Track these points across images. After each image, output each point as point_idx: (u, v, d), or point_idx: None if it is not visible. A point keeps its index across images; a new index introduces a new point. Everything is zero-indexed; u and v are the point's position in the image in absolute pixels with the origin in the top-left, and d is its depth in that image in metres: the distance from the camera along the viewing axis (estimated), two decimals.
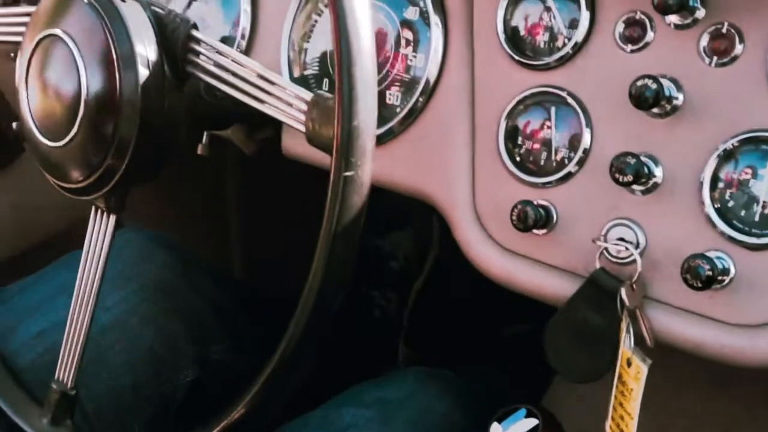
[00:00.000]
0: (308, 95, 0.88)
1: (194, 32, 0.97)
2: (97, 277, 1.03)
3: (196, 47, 0.96)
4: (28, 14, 1.04)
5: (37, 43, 0.99)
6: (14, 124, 1.44)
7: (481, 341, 1.27)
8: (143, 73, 0.95)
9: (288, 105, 0.89)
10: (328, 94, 0.86)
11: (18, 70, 1.02)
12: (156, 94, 0.96)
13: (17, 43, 1.05)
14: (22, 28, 1.05)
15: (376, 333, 1.75)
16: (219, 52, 0.95)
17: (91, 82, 0.95)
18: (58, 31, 0.97)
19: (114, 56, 0.94)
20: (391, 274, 1.79)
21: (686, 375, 0.93)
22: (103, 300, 1.20)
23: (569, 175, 0.99)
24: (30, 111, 1.01)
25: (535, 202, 0.99)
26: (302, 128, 0.88)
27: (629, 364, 0.92)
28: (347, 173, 0.82)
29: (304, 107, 0.88)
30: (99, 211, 1.02)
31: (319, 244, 0.84)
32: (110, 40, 0.94)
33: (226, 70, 0.94)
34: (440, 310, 1.69)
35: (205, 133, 1.24)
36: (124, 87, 0.94)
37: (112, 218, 1.02)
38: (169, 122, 0.98)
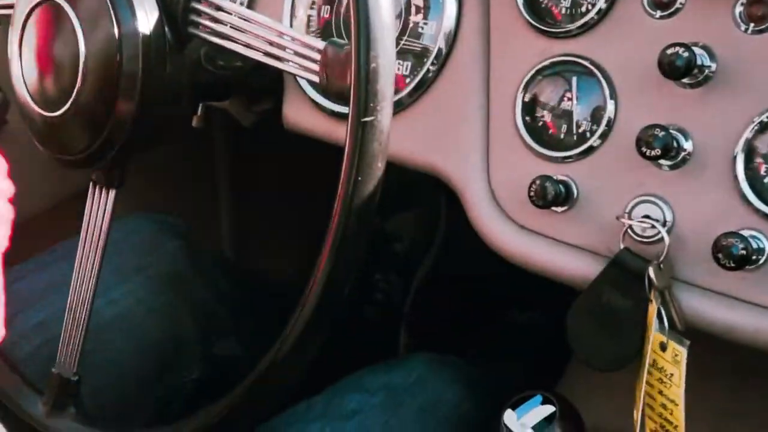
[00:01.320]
0: (321, 44, 0.83)
1: None
2: (97, 257, 0.99)
3: (197, 5, 0.92)
4: None
5: (31, 11, 0.95)
6: None
7: (488, 329, 1.22)
8: (144, 36, 0.91)
9: (300, 56, 0.85)
10: (342, 41, 0.83)
11: (10, 38, 0.98)
12: (157, 58, 0.92)
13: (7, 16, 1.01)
14: (10, 1, 1.01)
15: (377, 317, 1.71)
16: (221, 9, 0.90)
17: (90, 47, 0.91)
18: None
19: (113, 19, 0.90)
20: (395, 257, 1.74)
21: (711, 367, 0.87)
22: (109, 292, 1.17)
23: (591, 149, 0.94)
24: (24, 81, 0.97)
25: (554, 177, 0.94)
26: (316, 78, 0.84)
27: (663, 348, 0.86)
28: (366, 119, 0.77)
29: (317, 56, 0.83)
30: (98, 187, 0.98)
31: (338, 195, 0.80)
32: (108, 5, 0.90)
33: (231, 26, 0.90)
34: (445, 297, 1.64)
35: (200, 105, 1.18)
36: (124, 51, 0.90)
37: (112, 193, 0.98)
38: (171, 90, 0.95)
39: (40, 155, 1.01)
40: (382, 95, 0.78)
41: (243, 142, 1.70)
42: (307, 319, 0.82)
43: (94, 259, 0.98)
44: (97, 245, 0.98)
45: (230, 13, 0.90)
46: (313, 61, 0.84)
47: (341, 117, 1.07)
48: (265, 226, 1.81)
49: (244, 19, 0.89)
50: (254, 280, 1.51)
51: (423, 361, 1.14)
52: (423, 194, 1.63)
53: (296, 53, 0.85)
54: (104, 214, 0.98)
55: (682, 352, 0.85)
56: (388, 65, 0.78)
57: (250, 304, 1.39)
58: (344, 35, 1.10)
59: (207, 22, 0.91)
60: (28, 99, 0.96)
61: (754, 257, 0.83)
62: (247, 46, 0.89)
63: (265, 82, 1.14)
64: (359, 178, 0.78)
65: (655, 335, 0.86)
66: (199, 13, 0.92)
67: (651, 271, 0.87)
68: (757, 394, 1.06)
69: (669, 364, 0.86)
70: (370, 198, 0.80)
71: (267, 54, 0.87)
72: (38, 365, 1.11)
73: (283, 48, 0.86)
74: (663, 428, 0.88)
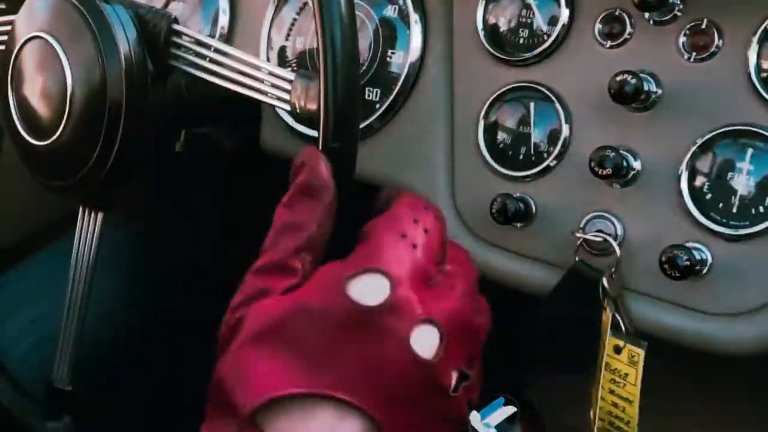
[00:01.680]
0: (291, 75, 0.87)
1: (175, 26, 0.96)
2: (87, 275, 1.02)
3: (178, 40, 0.96)
4: (9, 22, 1.03)
5: (22, 46, 0.98)
6: None
7: None
8: (127, 68, 0.94)
9: (272, 86, 0.89)
10: (311, 72, 0.86)
11: (3, 72, 1.01)
12: (140, 89, 0.95)
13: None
14: (2, 37, 1.04)
15: None
16: (200, 43, 0.94)
17: (77, 80, 0.94)
18: (42, 33, 0.96)
19: (98, 54, 0.93)
20: None
21: (661, 371, 0.92)
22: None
23: (548, 169, 0.98)
24: (16, 111, 1.00)
25: (514, 195, 0.98)
26: (287, 107, 0.87)
27: (617, 351, 0.91)
28: (334, 144, 0.80)
29: (288, 86, 0.87)
30: (86, 210, 1.02)
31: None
32: (94, 39, 0.93)
33: (208, 59, 0.93)
34: None
35: (183, 131, 1.22)
36: (109, 83, 0.93)
37: (100, 216, 1.01)
38: (153, 118, 0.97)
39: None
40: (348, 122, 0.81)
41: (226, 163, 1.73)
42: None
43: (85, 278, 1.02)
44: (87, 264, 1.01)
45: (209, 47, 0.93)
46: (285, 90, 0.87)
47: (315, 141, 1.11)
48: (245, 239, 1.83)
49: (222, 53, 0.92)
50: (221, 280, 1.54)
51: None
52: None
53: (268, 83, 0.89)
54: (93, 235, 1.01)
55: (640, 353, 0.89)
56: (353, 94, 0.81)
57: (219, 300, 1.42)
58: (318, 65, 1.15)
59: (187, 55, 0.94)
60: (20, 128, 0.99)
61: (697, 267, 0.87)
62: (223, 77, 0.92)
63: (244, 110, 1.16)
64: None
65: (610, 339, 0.90)
66: (179, 46, 0.95)
67: (604, 281, 0.91)
68: (705, 396, 1.10)
69: (624, 365, 0.90)
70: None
71: (243, 85, 0.90)
72: (34, 364, 1.16)
73: (258, 80, 0.89)
74: (612, 425, 0.93)
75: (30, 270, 1.30)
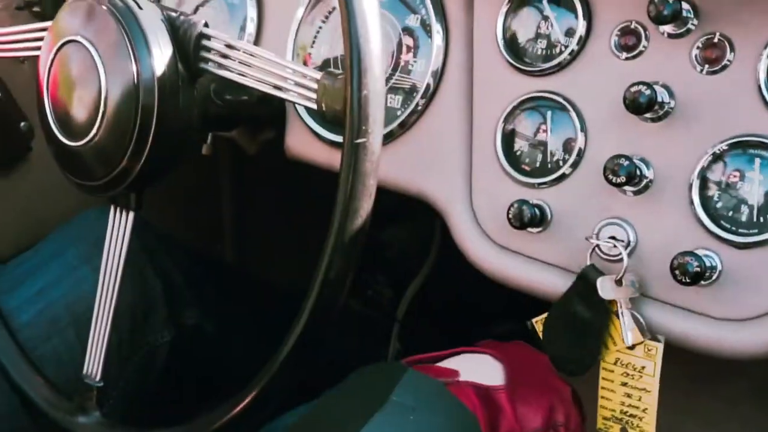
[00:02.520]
0: (318, 74, 0.89)
1: (205, 30, 0.98)
2: (119, 272, 1.04)
3: (207, 43, 0.97)
4: (43, 29, 1.06)
5: (58, 50, 1.00)
6: (22, 124, 1.45)
7: (472, 339, 1.27)
8: (159, 71, 0.95)
9: (299, 86, 0.90)
10: (337, 71, 0.88)
11: (40, 74, 1.03)
12: (171, 92, 0.96)
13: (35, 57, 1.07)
14: (38, 43, 1.07)
15: (367, 321, 1.76)
16: (229, 46, 0.96)
17: (111, 83, 0.96)
18: (78, 38, 0.98)
19: (132, 57, 0.95)
20: (387, 262, 1.79)
21: (667, 373, 0.93)
22: (78, 270, 1.25)
23: (563, 177, 1.00)
24: (52, 113, 1.02)
25: (530, 201, 1.00)
26: (314, 105, 0.89)
27: (632, 347, 0.93)
28: (359, 140, 0.82)
29: (315, 85, 0.88)
30: (118, 209, 1.03)
31: (335, 208, 0.85)
32: (128, 43, 0.95)
33: (237, 60, 0.95)
34: (436, 310, 1.68)
35: (209, 134, 1.24)
36: (142, 86, 0.95)
37: (131, 215, 1.03)
38: (183, 121, 0.99)
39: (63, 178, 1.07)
40: (373, 119, 0.83)
41: (246, 164, 1.76)
42: (307, 318, 0.87)
43: (116, 275, 1.03)
44: (118, 263, 1.03)
45: (238, 50, 0.95)
46: (312, 90, 0.89)
47: (339, 146, 1.12)
48: (265, 238, 1.86)
49: (250, 55, 0.94)
50: (215, 264, 1.57)
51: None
52: (419, 214, 1.68)
53: (296, 83, 0.90)
54: (124, 234, 1.03)
55: (658, 346, 0.92)
56: (378, 92, 0.83)
57: (212, 284, 1.45)
58: (340, 69, 1.16)
59: (216, 58, 0.96)
60: (55, 128, 1.01)
61: (707, 274, 0.89)
62: (252, 77, 0.94)
63: (269, 115, 1.19)
64: (353, 194, 0.83)
65: (615, 339, 0.93)
66: (208, 49, 0.96)
67: (611, 285, 0.93)
68: (708, 397, 1.11)
69: (639, 359, 0.93)
70: (363, 211, 0.85)
71: (270, 85, 0.92)
72: (41, 329, 1.20)
73: (285, 79, 0.91)
74: (625, 413, 0.95)
75: (38, 250, 1.33)
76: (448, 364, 0.96)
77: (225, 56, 0.96)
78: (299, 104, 0.91)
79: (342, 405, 0.95)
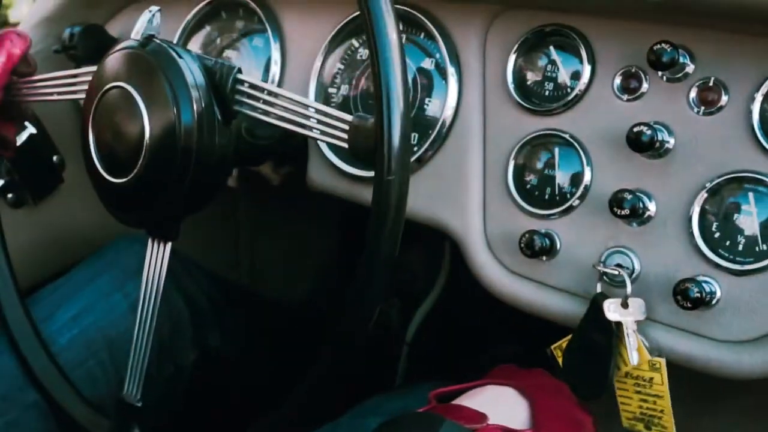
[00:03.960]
0: (349, 117, 0.93)
1: (239, 75, 1.02)
2: (157, 299, 1.07)
3: (242, 88, 1.01)
4: (90, 72, 1.09)
5: (104, 93, 1.03)
6: (55, 158, 1.49)
7: (480, 361, 1.31)
8: (198, 115, 0.99)
9: (332, 127, 0.95)
10: (367, 115, 0.92)
11: (85, 116, 1.06)
12: (209, 133, 1.00)
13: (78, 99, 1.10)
14: (77, 87, 1.11)
15: (376, 341, 1.78)
16: (263, 90, 1.00)
17: (153, 125, 0.99)
18: (122, 83, 1.01)
19: (172, 102, 0.98)
20: (398, 284, 1.81)
21: (672, 391, 0.97)
22: (116, 292, 1.30)
23: (571, 208, 1.04)
24: (96, 152, 1.05)
25: (541, 231, 1.04)
26: (345, 145, 0.93)
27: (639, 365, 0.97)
28: (390, 177, 0.87)
29: (346, 126, 0.93)
30: (155, 240, 1.06)
31: (367, 238, 0.89)
32: (170, 88, 0.99)
33: (272, 104, 0.99)
34: (445, 333, 1.72)
35: (235, 169, 1.29)
36: (182, 128, 0.98)
37: (168, 245, 1.06)
38: (219, 159, 1.02)
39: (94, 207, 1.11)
40: (403, 157, 0.87)
41: (261, 192, 1.79)
42: (335, 348, 0.92)
43: (154, 301, 1.07)
44: (156, 289, 1.06)
45: (276, 95, 0.99)
46: (342, 130, 0.93)
47: (360, 179, 1.17)
48: (278, 260, 1.91)
49: (288, 99, 0.98)
50: (235, 289, 1.60)
51: (432, 386, 1.16)
52: (429, 239, 1.71)
53: (329, 125, 0.94)
54: (161, 263, 1.06)
55: (661, 361, 0.96)
56: (406, 133, 0.88)
57: (233, 307, 1.48)
58: (360, 109, 1.21)
59: (252, 102, 1.00)
60: (98, 167, 1.04)
61: (707, 299, 0.93)
62: (285, 120, 0.98)
63: (292, 149, 1.24)
64: (385, 224, 0.88)
65: (628, 358, 0.97)
66: (243, 93, 1.01)
67: (617, 309, 0.97)
68: (714, 416, 1.15)
69: (646, 372, 0.97)
70: (394, 239, 0.89)
71: (306, 127, 0.97)
72: (77, 352, 1.24)
73: (318, 122, 0.96)
74: (645, 414, 1.00)
75: (71, 276, 1.37)
76: (474, 398, 0.98)
77: (258, 99, 1.00)
78: (332, 143, 0.95)
79: None
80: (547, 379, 1.00)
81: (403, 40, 1.16)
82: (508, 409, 0.94)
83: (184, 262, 1.40)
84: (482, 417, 0.90)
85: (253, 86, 1.01)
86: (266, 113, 1.00)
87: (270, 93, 0.99)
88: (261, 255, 1.88)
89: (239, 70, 1.02)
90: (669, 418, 0.99)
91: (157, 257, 1.07)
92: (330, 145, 1.20)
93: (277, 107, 0.99)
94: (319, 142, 1.20)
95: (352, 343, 0.93)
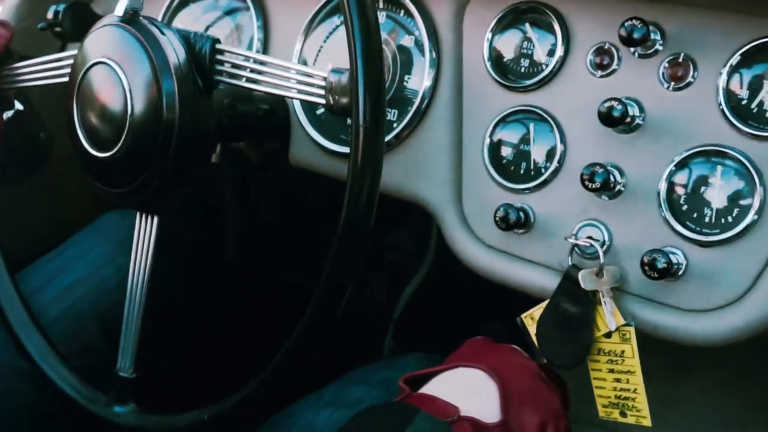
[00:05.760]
0: (324, 72, 0.95)
1: (218, 45, 1.03)
2: (147, 272, 1.08)
3: (221, 57, 1.02)
4: (72, 56, 1.10)
5: (87, 70, 1.04)
6: (42, 134, 1.50)
7: (464, 338, 1.32)
8: (179, 85, 1.00)
9: (308, 85, 0.96)
10: (343, 68, 0.93)
11: (70, 92, 1.07)
12: (191, 106, 1.01)
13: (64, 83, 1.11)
14: (63, 71, 1.12)
15: (364, 316, 1.80)
16: (241, 55, 1.02)
17: (136, 98, 1.00)
18: (104, 59, 1.02)
19: (154, 75, 0.99)
20: (387, 264, 1.82)
21: (646, 364, 0.99)
22: (106, 267, 1.31)
23: (545, 183, 1.06)
24: (80, 127, 1.06)
25: (515, 205, 1.06)
26: (323, 101, 0.95)
27: (608, 336, 0.99)
28: (366, 125, 0.88)
29: (322, 83, 0.95)
30: (143, 215, 1.08)
31: (347, 188, 0.90)
32: (150, 62, 1.00)
33: (249, 69, 1.00)
34: (431, 310, 1.74)
35: (219, 145, 1.30)
36: (164, 99, 0.99)
37: (155, 219, 1.07)
38: (201, 132, 1.04)
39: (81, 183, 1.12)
40: (378, 105, 0.89)
41: (248, 172, 1.80)
42: (317, 308, 0.93)
43: (144, 275, 1.07)
44: (146, 263, 1.07)
45: (248, 58, 1.01)
46: (320, 87, 0.95)
47: (341, 156, 1.18)
48: (266, 239, 1.91)
49: (261, 63, 0.99)
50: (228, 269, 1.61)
51: (416, 358, 1.21)
52: (417, 218, 1.72)
53: (305, 83, 0.96)
54: (150, 236, 1.07)
55: (631, 330, 0.98)
56: (380, 83, 0.89)
57: (226, 287, 1.50)
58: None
59: (229, 69, 1.01)
60: (83, 142, 1.05)
61: (673, 269, 0.95)
62: (264, 83, 0.99)
63: (274, 126, 1.24)
64: (362, 173, 0.89)
65: (601, 327, 0.98)
66: (222, 62, 1.02)
67: (590, 279, 0.99)
68: (688, 387, 1.17)
69: (617, 345, 0.98)
70: (372, 188, 0.90)
71: (281, 87, 0.98)
72: (68, 325, 1.25)
73: (294, 81, 0.97)
74: (620, 398, 1.01)
75: (64, 249, 1.38)
76: (444, 383, 0.99)
77: (237, 66, 1.01)
78: (309, 101, 0.96)
79: None
80: (516, 357, 1.01)
81: (383, 17, 1.18)
82: (477, 396, 0.95)
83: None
84: (454, 410, 0.91)
85: (232, 53, 1.02)
86: (242, 78, 1.01)
87: (248, 59, 1.01)
88: (248, 236, 1.89)
89: (218, 41, 1.03)
90: (642, 398, 1.00)
91: (146, 231, 1.08)
92: (311, 121, 1.21)
93: (255, 72, 1.00)
94: (300, 119, 1.22)
95: (336, 303, 0.93)
